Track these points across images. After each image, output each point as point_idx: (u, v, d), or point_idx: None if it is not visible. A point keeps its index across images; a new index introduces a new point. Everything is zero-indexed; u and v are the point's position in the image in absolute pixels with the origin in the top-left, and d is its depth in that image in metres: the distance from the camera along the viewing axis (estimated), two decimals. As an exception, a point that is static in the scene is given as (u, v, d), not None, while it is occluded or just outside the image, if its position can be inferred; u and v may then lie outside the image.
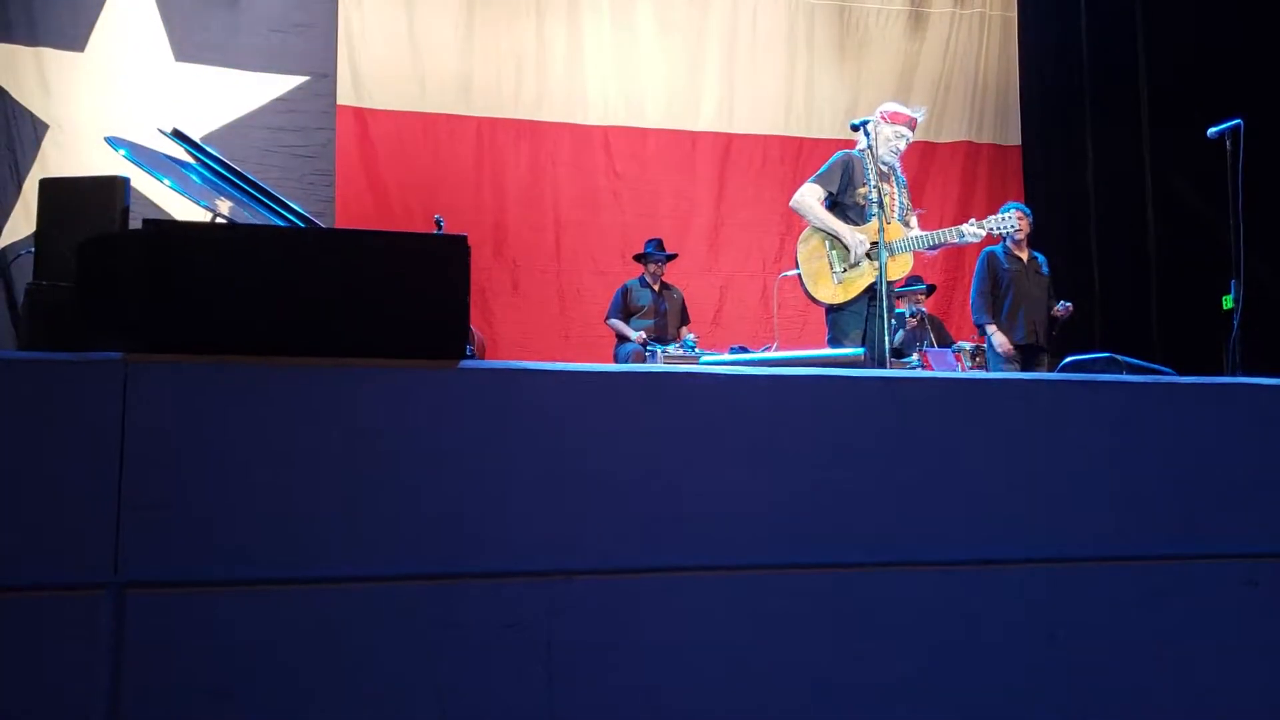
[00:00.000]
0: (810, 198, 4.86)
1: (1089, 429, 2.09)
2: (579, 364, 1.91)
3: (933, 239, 4.82)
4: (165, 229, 1.80)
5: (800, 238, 4.92)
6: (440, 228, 6.81)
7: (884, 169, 4.88)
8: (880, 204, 4.72)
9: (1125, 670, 2.01)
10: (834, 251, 4.82)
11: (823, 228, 4.81)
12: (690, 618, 1.84)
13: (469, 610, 1.78)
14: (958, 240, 4.86)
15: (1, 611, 1.65)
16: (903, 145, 4.96)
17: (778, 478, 1.89)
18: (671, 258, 7.52)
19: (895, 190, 4.91)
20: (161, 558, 1.70)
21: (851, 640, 1.89)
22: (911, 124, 4.98)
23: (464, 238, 1.90)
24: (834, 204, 4.87)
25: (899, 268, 4.82)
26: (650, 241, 7.50)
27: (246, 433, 1.74)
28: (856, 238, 4.75)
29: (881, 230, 4.65)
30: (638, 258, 7.50)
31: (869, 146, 4.84)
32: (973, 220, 4.97)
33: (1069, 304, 6.43)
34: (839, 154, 4.94)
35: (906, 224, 4.92)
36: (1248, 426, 2.17)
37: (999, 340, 6.31)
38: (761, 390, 1.94)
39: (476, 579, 1.79)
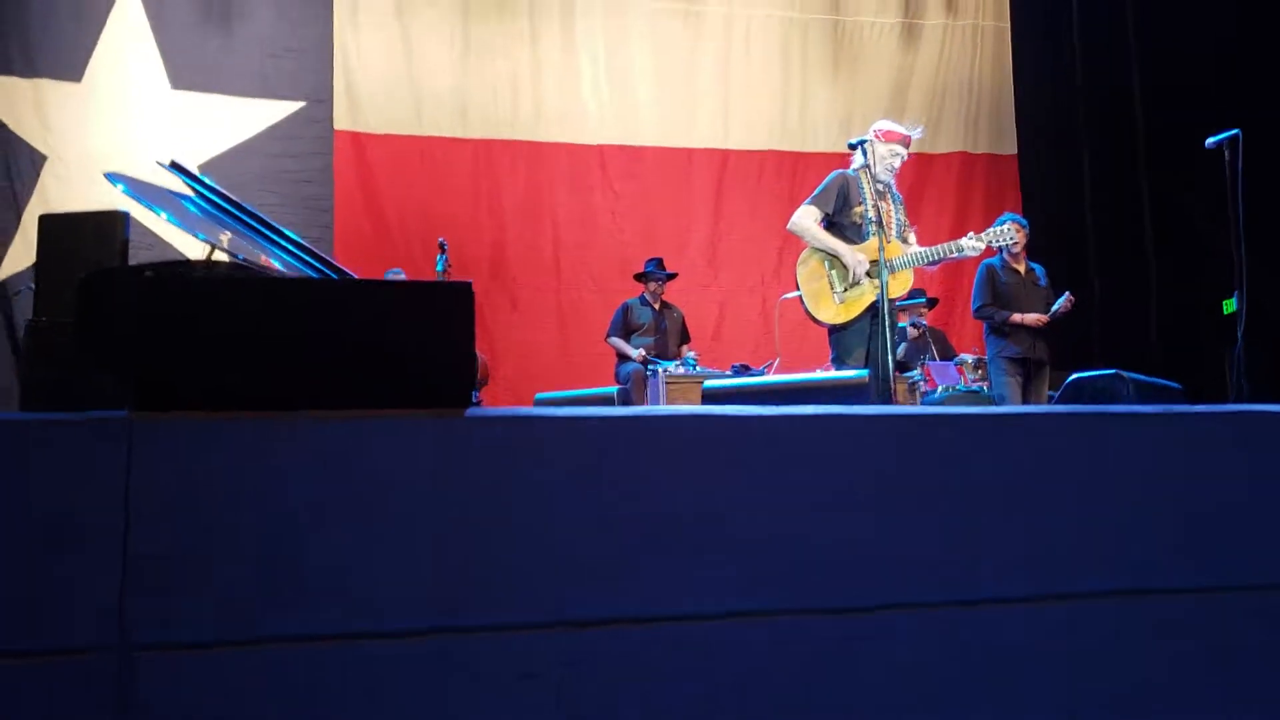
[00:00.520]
0: (807, 219, 4.87)
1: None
2: (585, 409, 1.91)
3: (932, 254, 4.84)
4: (165, 278, 1.79)
5: (799, 259, 4.94)
6: (444, 250, 6.83)
7: (880, 187, 4.90)
8: (879, 222, 4.73)
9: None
10: (834, 271, 4.83)
11: (822, 248, 4.83)
12: (693, 672, 1.83)
13: (481, 663, 1.77)
14: (956, 254, 4.88)
15: (4, 676, 1.64)
16: (898, 163, 4.99)
17: (791, 526, 1.88)
18: (672, 277, 7.52)
19: (892, 208, 4.94)
20: (169, 618, 1.69)
21: (871, 687, 1.88)
22: (906, 142, 5.01)
23: (468, 285, 1.90)
24: (831, 224, 4.88)
25: (899, 285, 4.83)
26: (650, 260, 7.50)
27: (253, 490, 1.73)
28: (856, 257, 4.76)
29: (881, 249, 4.65)
30: (638, 276, 7.50)
31: (865, 165, 4.87)
32: (971, 234, 5.00)
33: (1069, 294, 6.39)
34: (834, 174, 4.96)
35: (905, 241, 4.95)
36: (1257, 455, 2.15)
37: (1031, 318, 6.26)
38: (767, 434, 1.93)
39: (488, 631, 1.77)
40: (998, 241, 5.07)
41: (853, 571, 1.92)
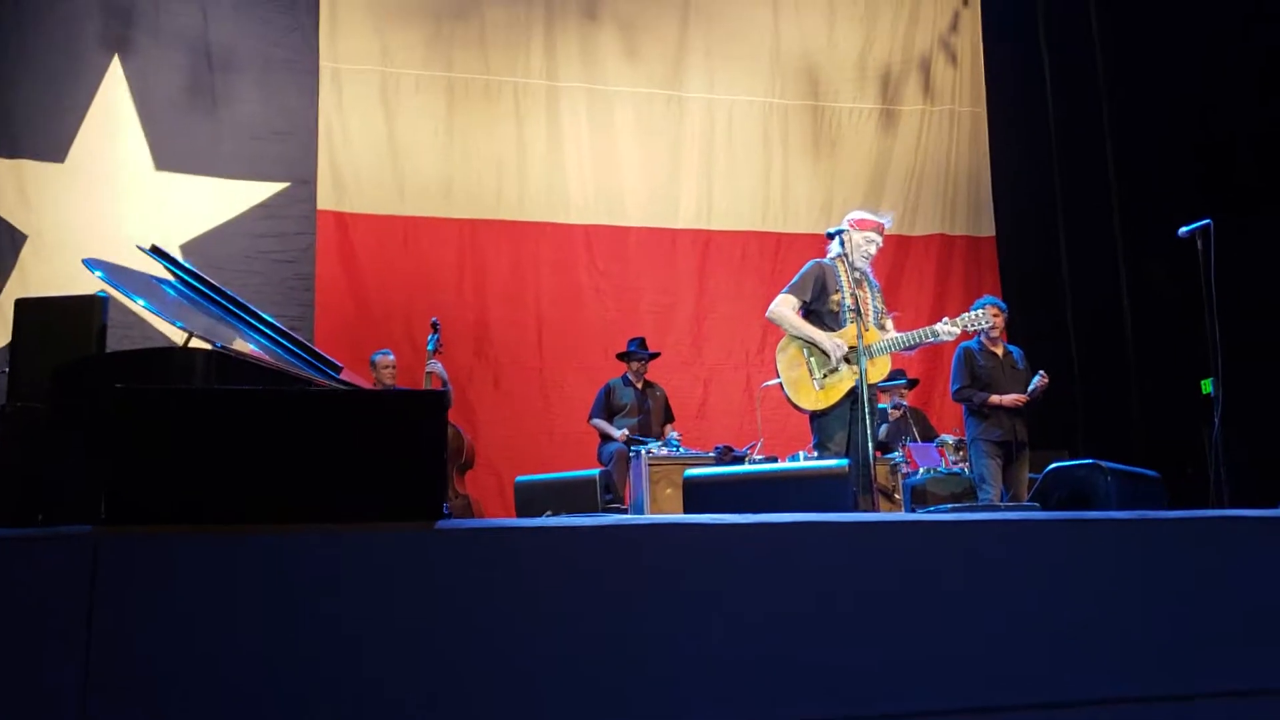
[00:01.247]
0: (785, 308, 4.95)
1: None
2: (557, 519, 1.89)
3: (908, 340, 4.91)
4: (133, 397, 1.78)
5: (778, 347, 5.00)
6: (436, 329, 6.83)
7: (857, 275, 4.96)
8: (856, 310, 4.79)
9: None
10: (813, 359, 4.87)
11: (800, 336, 4.87)
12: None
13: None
14: (933, 339, 4.96)
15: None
16: (874, 250, 5.08)
17: (744, 639, 1.85)
18: (654, 356, 7.54)
19: (869, 295, 5.00)
20: (128, 741, 1.64)
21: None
22: (880, 229, 5.12)
23: (442, 394, 1.89)
24: (809, 312, 4.94)
25: (877, 371, 4.89)
26: (633, 340, 7.52)
27: (217, 607, 1.70)
28: (834, 343, 4.81)
29: (860, 336, 4.69)
30: (621, 356, 7.51)
31: (841, 254, 4.94)
32: (946, 319, 5.06)
33: (1043, 373, 6.41)
34: (810, 263, 5.05)
35: (882, 327, 5.01)
36: (1231, 562, 2.15)
37: (1009, 399, 6.25)
38: (721, 545, 1.91)
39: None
40: (973, 325, 5.14)
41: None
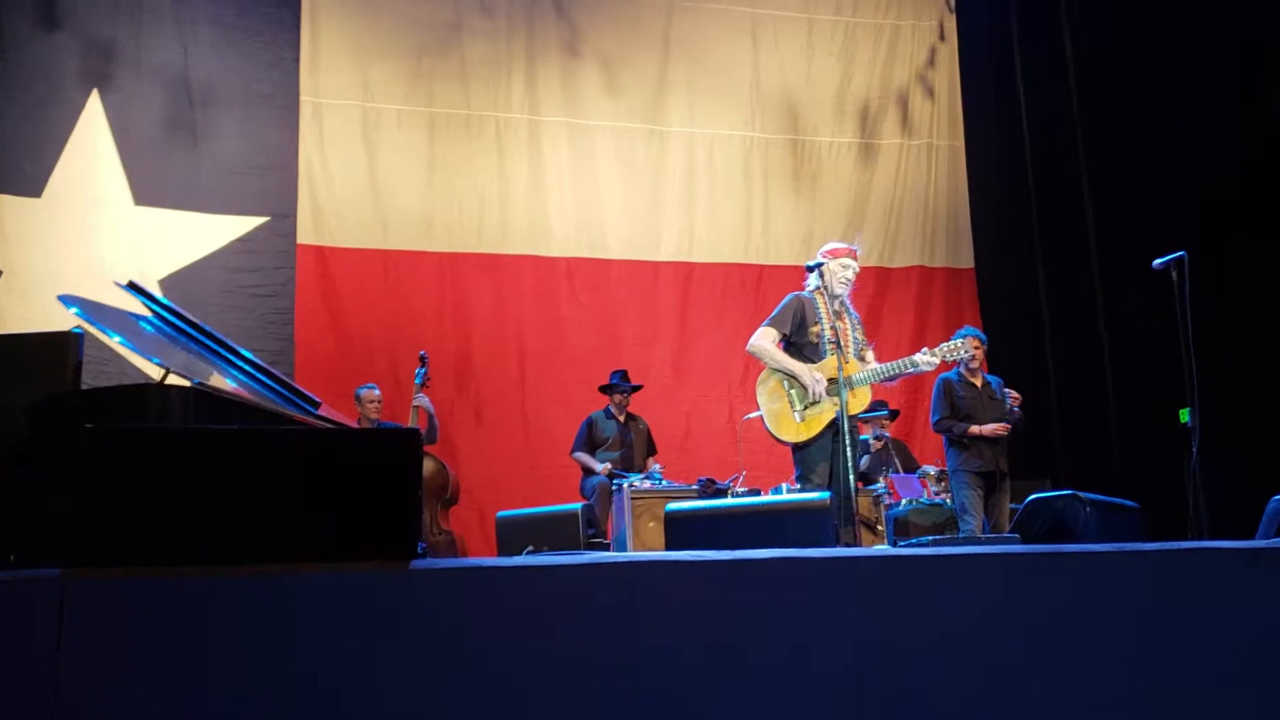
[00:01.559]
0: (765, 341, 4.99)
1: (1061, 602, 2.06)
2: (534, 558, 1.87)
3: (887, 371, 4.95)
4: (105, 436, 1.76)
5: (759, 379, 5.03)
6: (424, 363, 6.79)
7: (837, 306, 5.00)
8: (836, 342, 4.82)
9: None
10: (793, 391, 4.89)
11: (780, 369, 4.90)
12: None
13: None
14: (912, 370, 5.02)
15: None
16: (851, 275, 5.14)
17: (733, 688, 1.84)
18: (636, 389, 7.52)
19: (849, 326, 5.03)
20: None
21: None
22: (852, 254, 5.19)
23: (416, 432, 1.88)
24: (790, 344, 4.98)
25: (858, 402, 4.92)
26: (615, 373, 7.51)
27: (186, 650, 1.68)
28: (814, 376, 4.84)
29: (840, 368, 4.71)
30: (603, 389, 7.49)
31: (819, 287, 4.99)
32: (925, 349, 5.12)
33: (1013, 393, 6.41)
34: (790, 296, 5.10)
35: (862, 359, 5.05)
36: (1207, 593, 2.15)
37: (990, 429, 6.25)
38: (729, 580, 1.90)
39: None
40: (952, 356, 5.21)
41: None
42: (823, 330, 4.93)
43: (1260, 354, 7.32)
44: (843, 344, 4.88)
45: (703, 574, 1.88)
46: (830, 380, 4.83)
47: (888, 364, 4.99)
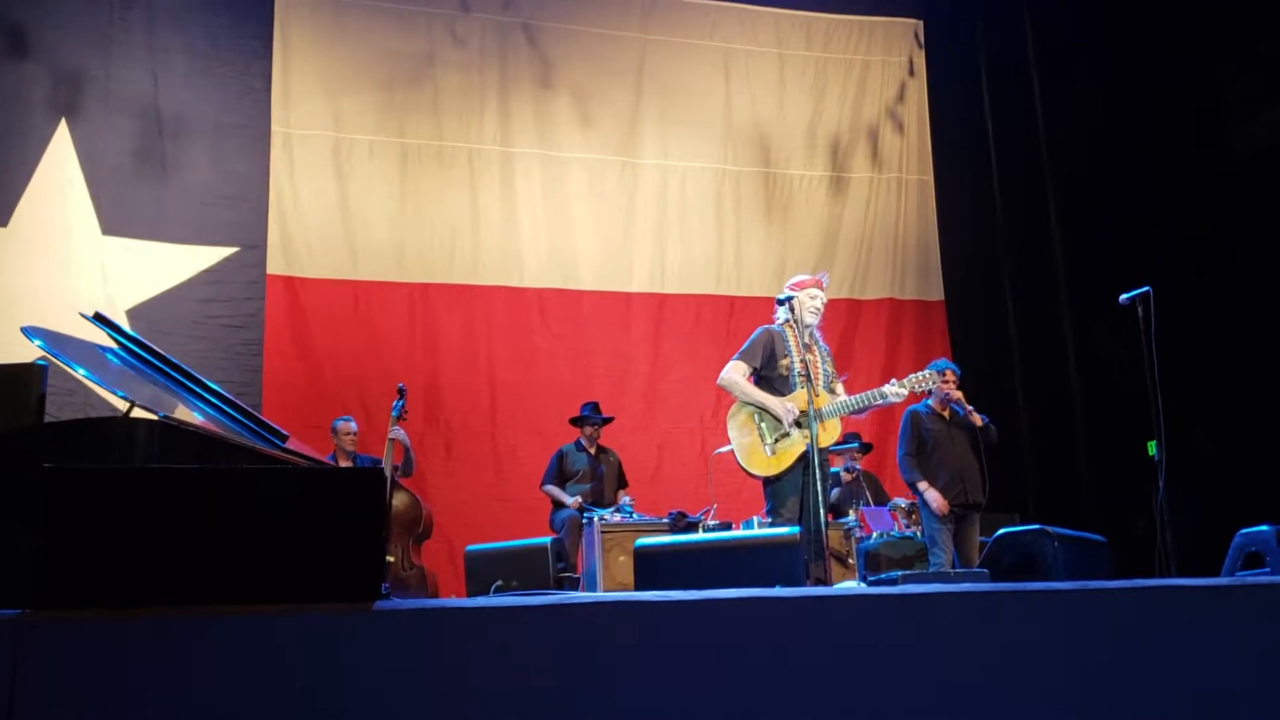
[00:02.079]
0: (736, 374, 5.02)
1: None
2: (495, 599, 1.85)
3: (857, 402, 5.00)
4: (63, 476, 1.73)
5: (729, 413, 5.05)
6: (403, 395, 6.71)
7: (806, 339, 5.03)
8: (808, 375, 4.85)
9: None
10: (764, 424, 4.91)
11: (751, 402, 4.92)
12: None
13: None
14: (881, 401, 5.07)
15: None
16: (820, 304, 5.20)
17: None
18: (608, 421, 7.50)
19: (819, 359, 5.06)
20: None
21: None
22: (818, 284, 5.24)
23: (380, 470, 1.86)
24: (760, 378, 5.00)
25: (829, 434, 4.94)
26: (586, 405, 7.48)
27: (146, 694, 1.64)
28: (785, 407, 4.86)
29: (811, 401, 4.73)
30: (574, 421, 7.46)
31: (789, 320, 5.01)
32: (894, 380, 5.16)
33: (970, 409, 6.45)
34: (759, 330, 5.15)
35: (832, 390, 5.08)
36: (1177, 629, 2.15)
37: (932, 497, 6.31)
38: (664, 623, 1.88)
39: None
40: (920, 387, 5.25)
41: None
42: (792, 363, 4.97)
43: (1228, 388, 7.40)
44: (813, 376, 4.91)
45: (668, 615, 1.87)
46: (801, 412, 4.85)
47: (856, 396, 5.05)
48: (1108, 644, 2.06)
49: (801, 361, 4.94)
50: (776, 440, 4.88)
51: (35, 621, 1.65)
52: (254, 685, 1.71)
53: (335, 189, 8.07)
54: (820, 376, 5.00)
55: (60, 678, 1.63)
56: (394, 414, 6.63)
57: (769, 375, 5.01)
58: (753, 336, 5.13)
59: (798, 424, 4.87)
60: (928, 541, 6.33)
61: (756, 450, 4.91)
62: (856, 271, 9.13)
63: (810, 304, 5.13)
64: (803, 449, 4.85)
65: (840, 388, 5.18)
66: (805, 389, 4.83)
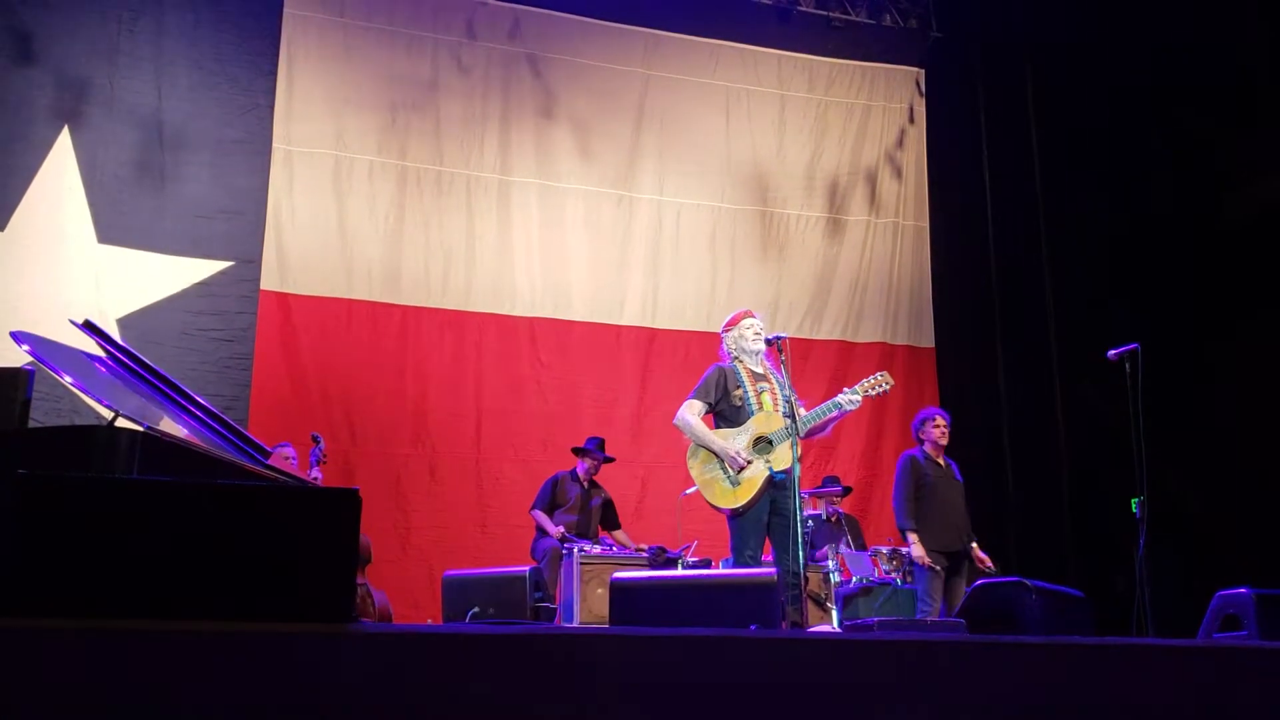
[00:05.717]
0: (689, 414, 5.12)
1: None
2: (471, 625, 1.85)
3: (814, 416, 5.07)
4: (38, 485, 1.72)
5: (688, 453, 5.11)
6: (318, 442, 6.68)
7: (760, 370, 5.14)
8: (760, 402, 4.92)
9: None
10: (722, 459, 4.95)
11: (701, 444, 4.96)
12: None
13: None
14: (837, 411, 5.13)
15: None
16: (759, 329, 5.25)
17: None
18: (609, 460, 7.47)
19: (775, 387, 5.08)
20: None
21: None
22: (748, 314, 5.32)
23: (355, 491, 1.86)
24: (717, 412, 5.10)
25: (787, 458, 4.88)
26: (592, 439, 7.46)
27: (111, 703, 1.63)
28: (730, 454, 4.89)
29: (795, 429, 4.78)
30: (577, 450, 7.42)
31: (736, 355, 5.16)
32: (845, 389, 5.18)
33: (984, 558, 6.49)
34: (712, 368, 5.26)
35: (792, 417, 5.04)
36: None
37: (918, 553, 6.30)
38: (637, 659, 1.88)
39: None
40: (874, 390, 5.23)
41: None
42: (745, 393, 5.02)
43: (1214, 448, 7.42)
44: (772, 402, 4.95)
45: (637, 650, 1.86)
46: (758, 439, 4.92)
47: (813, 410, 5.07)
48: (1076, 704, 2.06)
49: (756, 390, 5.01)
50: (739, 471, 4.91)
51: (6, 629, 1.63)
52: (227, 700, 1.69)
53: (333, 207, 8.09)
54: (780, 402, 5.02)
55: (20, 685, 1.62)
56: (313, 459, 6.66)
57: (724, 409, 5.08)
58: (705, 374, 5.22)
59: (756, 450, 4.92)
60: (918, 591, 6.32)
61: (718, 484, 4.98)
62: (850, 314, 9.17)
63: (749, 333, 5.20)
64: (765, 474, 4.90)
65: (801, 411, 5.18)
66: (761, 412, 4.92)
